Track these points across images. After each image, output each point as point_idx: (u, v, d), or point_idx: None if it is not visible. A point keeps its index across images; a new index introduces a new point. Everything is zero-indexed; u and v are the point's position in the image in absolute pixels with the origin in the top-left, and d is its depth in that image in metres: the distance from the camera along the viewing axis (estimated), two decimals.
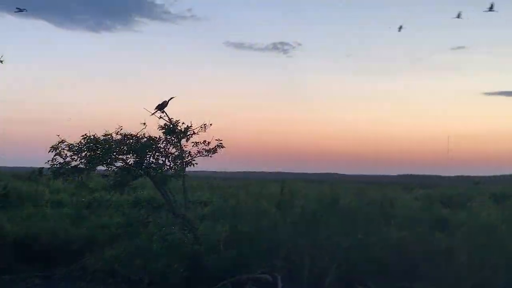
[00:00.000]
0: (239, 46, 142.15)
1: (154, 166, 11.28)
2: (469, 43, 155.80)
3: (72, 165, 10.81)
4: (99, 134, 11.07)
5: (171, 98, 11.91)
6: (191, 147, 11.87)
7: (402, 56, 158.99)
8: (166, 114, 11.94)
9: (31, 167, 11.46)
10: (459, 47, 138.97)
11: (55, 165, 10.76)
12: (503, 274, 9.97)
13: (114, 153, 10.96)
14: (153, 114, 11.84)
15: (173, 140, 11.70)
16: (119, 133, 11.22)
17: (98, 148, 10.87)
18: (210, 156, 11.94)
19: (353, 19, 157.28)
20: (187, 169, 11.77)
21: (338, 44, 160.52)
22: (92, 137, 10.91)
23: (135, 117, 11.68)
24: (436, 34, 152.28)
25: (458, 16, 15.69)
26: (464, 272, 9.97)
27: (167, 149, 11.57)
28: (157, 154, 11.38)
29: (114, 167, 11.18)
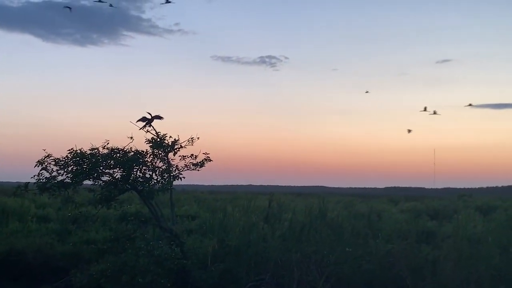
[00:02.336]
0: (226, 59, 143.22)
1: (141, 180, 11.24)
2: (455, 56, 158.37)
3: (59, 179, 10.73)
4: (86, 148, 11.02)
5: (158, 117, 11.94)
6: (179, 161, 11.86)
7: (388, 70, 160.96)
8: (153, 128, 11.95)
9: (16, 182, 11.34)
10: (444, 60, 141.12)
11: (41, 180, 10.67)
12: (489, 286, 10.04)
13: (101, 168, 10.90)
14: (141, 128, 11.85)
15: (160, 154, 11.68)
16: (105, 147, 11.18)
17: (84, 163, 10.81)
18: (198, 170, 11.92)
19: (339, 34, 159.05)
20: (174, 183, 11.73)
21: (324, 58, 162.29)
22: (78, 151, 10.85)
23: (122, 131, 11.64)
24: (422, 47, 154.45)
25: None
26: (450, 284, 10.03)
27: (154, 163, 11.53)
28: (144, 168, 11.34)
29: (101, 182, 11.12)
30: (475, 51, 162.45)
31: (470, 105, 24.24)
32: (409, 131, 22.96)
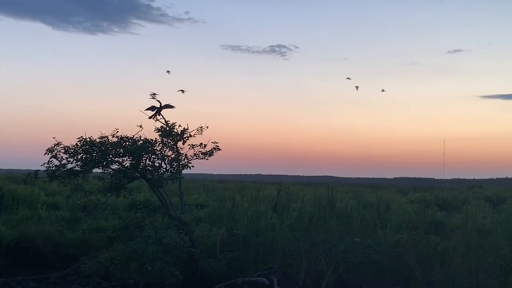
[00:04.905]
0: (236, 48, 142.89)
1: (150, 168, 11.26)
2: (466, 46, 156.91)
3: (68, 167, 10.77)
4: (95, 136, 11.05)
5: (169, 106, 11.94)
6: (188, 150, 11.86)
7: (399, 60, 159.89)
8: (162, 116, 11.95)
9: (26, 170, 11.37)
10: (455, 51, 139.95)
11: (51, 168, 10.71)
12: (498, 277, 10.01)
13: (110, 156, 10.92)
14: (150, 117, 11.85)
15: (170, 142, 11.69)
16: (115, 135, 11.19)
17: (94, 151, 10.83)
18: (207, 159, 11.91)
19: (350, 23, 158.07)
20: (183, 171, 11.75)
21: (335, 48, 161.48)
22: (88, 139, 10.88)
23: (131, 119, 11.60)
24: (433, 37, 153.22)
25: None
26: (459, 274, 10.00)
27: (163, 152, 11.54)
28: (153, 156, 11.35)
29: (110, 170, 11.15)
30: (487, 41, 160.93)
31: (383, 90, 23.59)
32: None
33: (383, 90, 25.42)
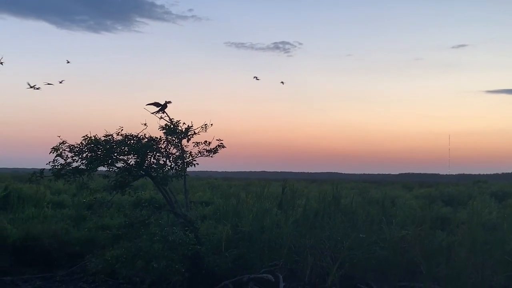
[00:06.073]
0: (240, 45, 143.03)
1: (155, 166, 11.26)
2: (471, 41, 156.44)
3: (73, 166, 10.79)
4: (100, 135, 11.06)
5: (168, 102, 11.91)
6: (192, 147, 11.86)
7: (403, 55, 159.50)
8: (167, 114, 11.94)
9: (32, 168, 11.38)
10: (460, 45, 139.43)
11: (56, 166, 10.74)
12: (504, 272, 9.99)
13: (115, 154, 10.93)
14: (153, 113, 11.83)
15: (174, 140, 11.69)
16: (120, 133, 11.20)
17: (99, 149, 10.85)
18: (211, 156, 11.91)
19: (353, 19, 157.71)
20: (188, 169, 11.76)
21: (338, 44, 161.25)
22: (93, 138, 10.89)
23: (136, 117, 11.58)
24: (437, 32, 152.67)
25: None
26: (465, 270, 9.99)
27: (168, 150, 11.55)
28: (158, 154, 11.35)
29: (115, 168, 11.16)
30: (491, 36, 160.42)
31: (282, 82, 23.48)
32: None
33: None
